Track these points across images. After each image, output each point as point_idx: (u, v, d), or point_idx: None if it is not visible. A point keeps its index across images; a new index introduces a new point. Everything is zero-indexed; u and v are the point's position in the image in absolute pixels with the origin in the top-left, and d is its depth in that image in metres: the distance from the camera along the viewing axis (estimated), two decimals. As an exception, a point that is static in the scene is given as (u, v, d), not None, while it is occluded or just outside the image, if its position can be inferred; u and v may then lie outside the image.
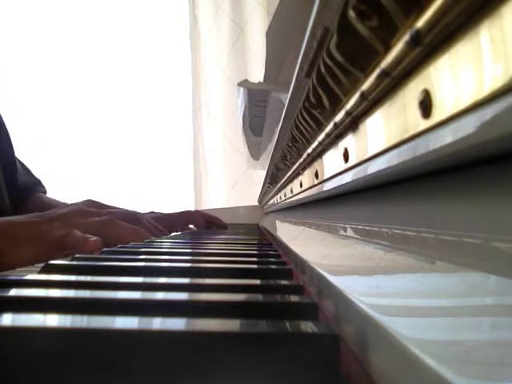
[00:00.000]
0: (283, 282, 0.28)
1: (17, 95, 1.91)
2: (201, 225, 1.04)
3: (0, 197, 0.82)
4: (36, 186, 1.02)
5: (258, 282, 0.29)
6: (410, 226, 0.23)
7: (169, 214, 1.01)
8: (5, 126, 0.95)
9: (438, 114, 0.17)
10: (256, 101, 1.08)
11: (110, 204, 0.72)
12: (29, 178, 1.01)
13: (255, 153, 1.35)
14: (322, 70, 0.29)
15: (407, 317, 0.16)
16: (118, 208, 0.73)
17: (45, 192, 1.06)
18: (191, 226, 1.05)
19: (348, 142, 0.32)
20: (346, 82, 0.27)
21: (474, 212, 0.17)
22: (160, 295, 0.23)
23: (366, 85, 0.24)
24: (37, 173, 1.08)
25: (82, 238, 0.51)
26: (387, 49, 0.20)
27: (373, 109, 0.25)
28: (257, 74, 1.76)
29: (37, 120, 1.96)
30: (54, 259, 0.38)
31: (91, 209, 0.63)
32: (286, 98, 0.45)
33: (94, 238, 0.50)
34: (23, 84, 1.96)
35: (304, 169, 0.54)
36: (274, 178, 0.90)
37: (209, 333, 0.17)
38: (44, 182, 1.08)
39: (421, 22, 0.17)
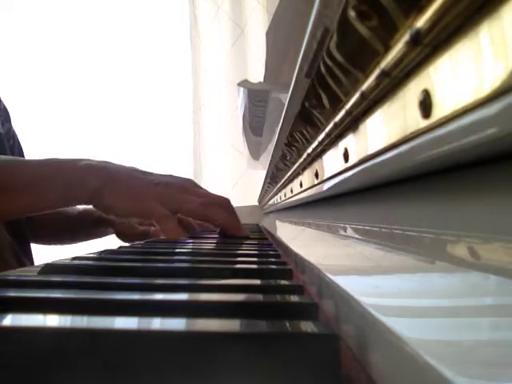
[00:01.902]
0: (283, 282, 0.28)
1: (17, 95, 1.91)
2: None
3: None
4: None
5: (258, 282, 0.29)
6: (409, 226, 0.23)
7: None
8: (18, 141, 0.97)
9: (438, 114, 0.17)
10: (256, 101, 1.08)
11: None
12: None
13: (255, 153, 1.35)
14: (322, 70, 0.29)
15: (407, 317, 0.16)
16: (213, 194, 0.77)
17: None
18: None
19: (348, 141, 0.32)
20: (346, 82, 0.27)
21: (474, 212, 0.17)
22: (160, 295, 0.23)
23: (366, 85, 0.24)
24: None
25: (175, 230, 0.60)
26: (387, 49, 0.20)
27: (373, 109, 0.25)
28: (257, 74, 1.76)
29: (37, 121, 1.96)
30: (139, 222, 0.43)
31: (192, 188, 0.67)
32: (286, 97, 0.45)
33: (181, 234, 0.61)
34: (24, 84, 1.95)
35: (304, 169, 0.54)
36: (274, 178, 0.90)
37: (209, 333, 0.17)
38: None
39: (421, 22, 0.17)
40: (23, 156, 0.98)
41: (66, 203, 0.64)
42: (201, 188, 0.70)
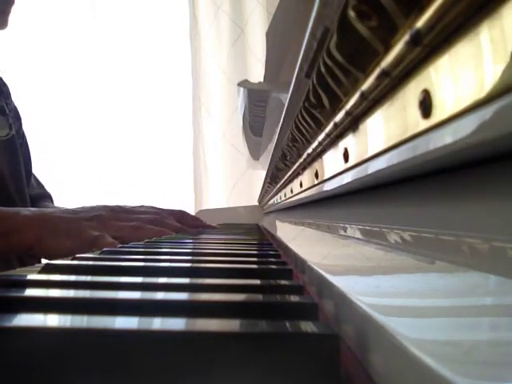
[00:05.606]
0: (283, 282, 0.28)
1: (19, 97, 1.91)
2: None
3: (12, 204, 0.86)
4: (45, 197, 1.07)
5: (258, 282, 0.29)
6: (410, 226, 0.23)
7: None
8: (26, 141, 1.01)
9: (438, 114, 0.17)
10: (256, 101, 1.08)
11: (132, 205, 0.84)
12: (41, 190, 1.06)
13: (255, 153, 1.35)
14: (322, 69, 0.29)
15: (407, 317, 0.16)
16: (144, 207, 0.83)
17: (52, 203, 1.10)
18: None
19: (348, 141, 0.32)
20: (346, 82, 0.27)
21: (474, 212, 0.17)
22: (160, 295, 0.23)
23: (366, 85, 0.24)
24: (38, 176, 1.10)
25: (111, 243, 0.62)
26: (387, 49, 0.20)
27: (373, 109, 0.25)
28: (257, 74, 1.76)
29: (37, 121, 1.96)
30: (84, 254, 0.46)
31: (122, 214, 0.75)
32: (286, 98, 0.45)
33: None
34: (25, 85, 1.95)
35: (304, 169, 0.54)
36: (274, 178, 0.90)
37: (209, 333, 0.17)
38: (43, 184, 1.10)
39: (421, 22, 0.17)
40: (29, 156, 1.00)
41: (6, 251, 0.69)
42: (131, 212, 0.78)
